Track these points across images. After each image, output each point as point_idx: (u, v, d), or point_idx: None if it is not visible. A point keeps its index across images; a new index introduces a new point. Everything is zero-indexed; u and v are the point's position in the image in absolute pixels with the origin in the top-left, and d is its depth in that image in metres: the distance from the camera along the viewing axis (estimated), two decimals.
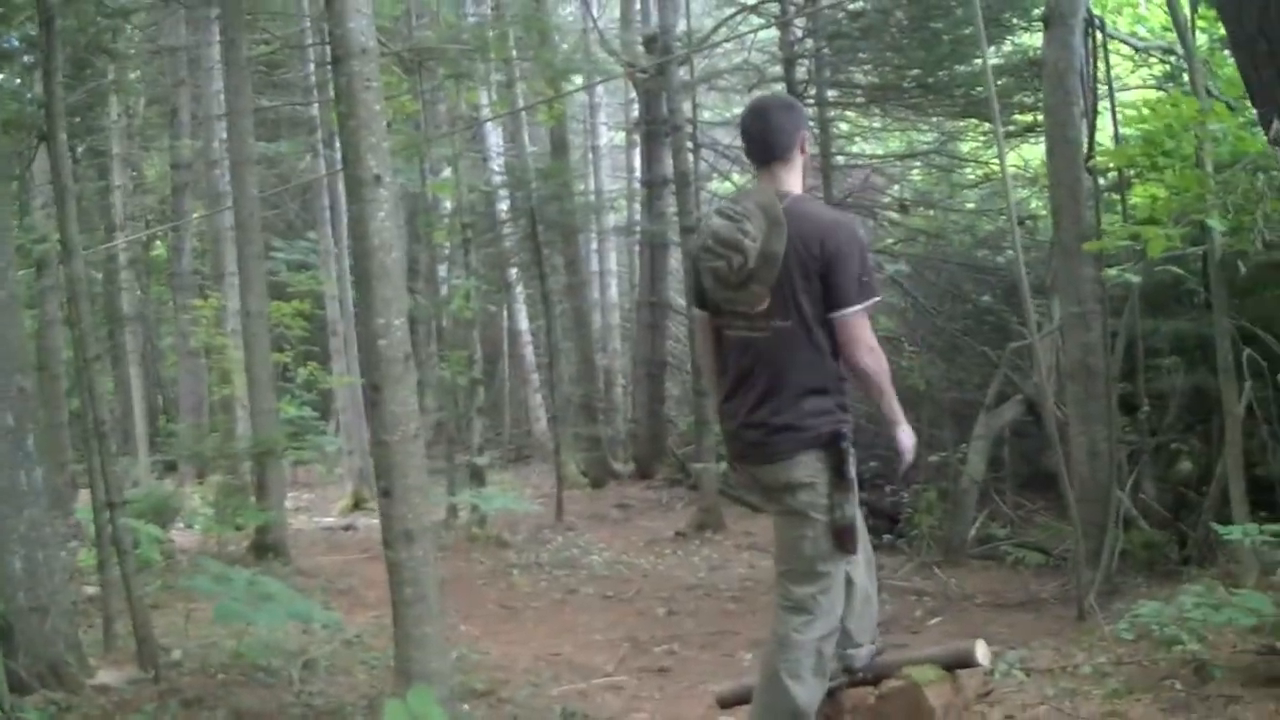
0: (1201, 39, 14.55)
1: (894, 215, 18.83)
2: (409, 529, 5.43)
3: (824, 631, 5.13)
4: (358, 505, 18.05)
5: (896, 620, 10.08)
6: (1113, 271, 9.29)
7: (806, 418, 4.96)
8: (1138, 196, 11.41)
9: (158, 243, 25.18)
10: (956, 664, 5.82)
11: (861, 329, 4.87)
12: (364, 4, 5.49)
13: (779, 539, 5.30)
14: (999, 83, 15.87)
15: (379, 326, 5.34)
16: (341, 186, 12.97)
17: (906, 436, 5.26)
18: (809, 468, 5.01)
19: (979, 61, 16.27)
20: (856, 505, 5.17)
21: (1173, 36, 11.77)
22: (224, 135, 15.73)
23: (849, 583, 5.32)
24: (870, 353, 4.89)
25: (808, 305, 4.85)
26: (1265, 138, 7.89)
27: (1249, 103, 9.52)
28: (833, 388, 5.02)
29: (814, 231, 4.85)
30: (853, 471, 5.07)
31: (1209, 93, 11.09)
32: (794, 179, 5.07)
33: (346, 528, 16.43)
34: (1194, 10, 14.42)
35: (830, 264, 4.81)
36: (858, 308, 4.85)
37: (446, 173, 18.32)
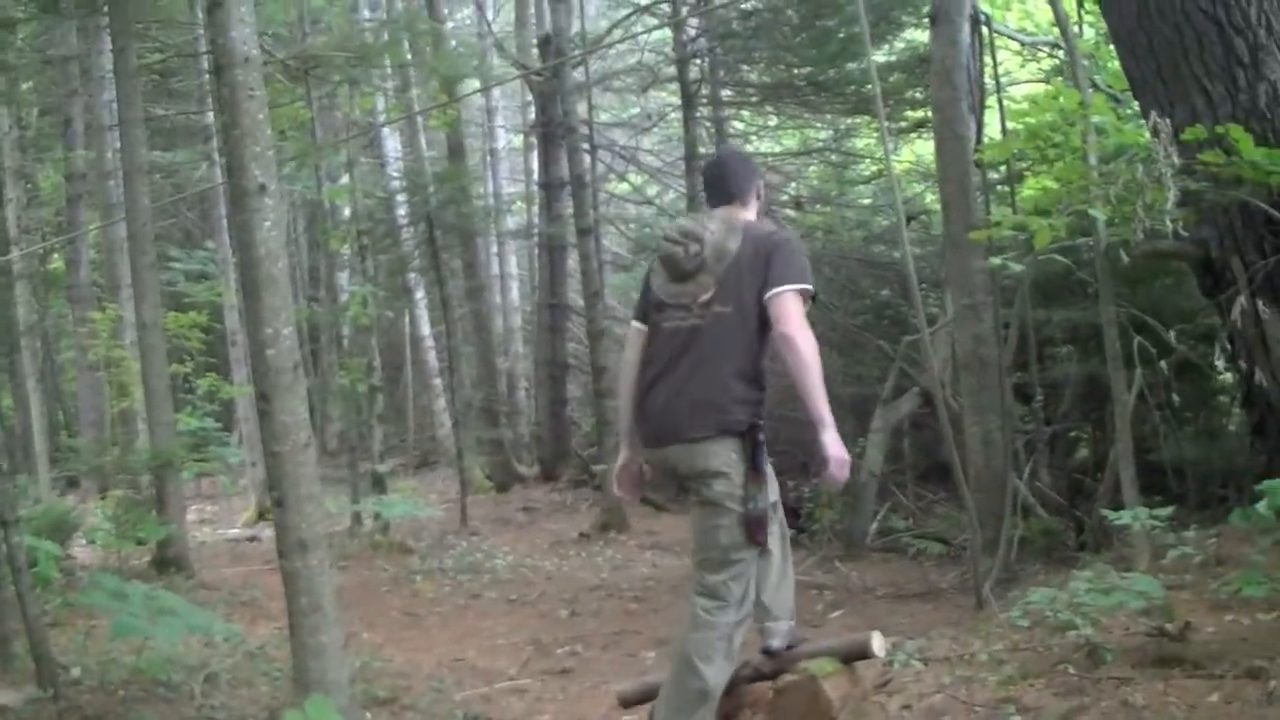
0: (1089, 33, 14.81)
1: (790, 213, 18.94)
2: (303, 538, 5.41)
3: (736, 618, 5.34)
4: (262, 516, 17.88)
5: (798, 615, 10.14)
6: (996, 261, 9.43)
7: (731, 403, 5.31)
8: (1029, 189, 11.58)
9: (55, 255, 24.82)
10: (854, 656, 5.90)
11: (795, 307, 5.22)
12: (246, 13, 5.46)
13: (696, 527, 5.49)
14: (889, 79, 16.08)
15: (267, 336, 5.31)
16: None
17: (835, 446, 5.40)
18: (724, 457, 5.30)
19: (868, 58, 16.50)
20: (771, 498, 5.44)
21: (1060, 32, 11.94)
22: (118, 145, 15.56)
23: (767, 558, 5.53)
24: (802, 330, 5.18)
25: (749, 296, 5.27)
26: (1146, 131, 8.05)
27: (1132, 95, 9.72)
28: (758, 381, 5.39)
29: (763, 237, 5.42)
30: (766, 464, 5.36)
31: (1095, 86, 11.29)
32: (749, 216, 5.63)
33: (251, 539, 16.29)
34: (1080, 6, 14.68)
35: (772, 256, 5.29)
36: (793, 286, 5.24)
37: (344, 179, 18.23)
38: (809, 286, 5.36)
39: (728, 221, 5.46)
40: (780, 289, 5.22)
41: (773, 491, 5.52)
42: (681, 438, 5.35)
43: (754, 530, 5.29)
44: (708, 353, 5.33)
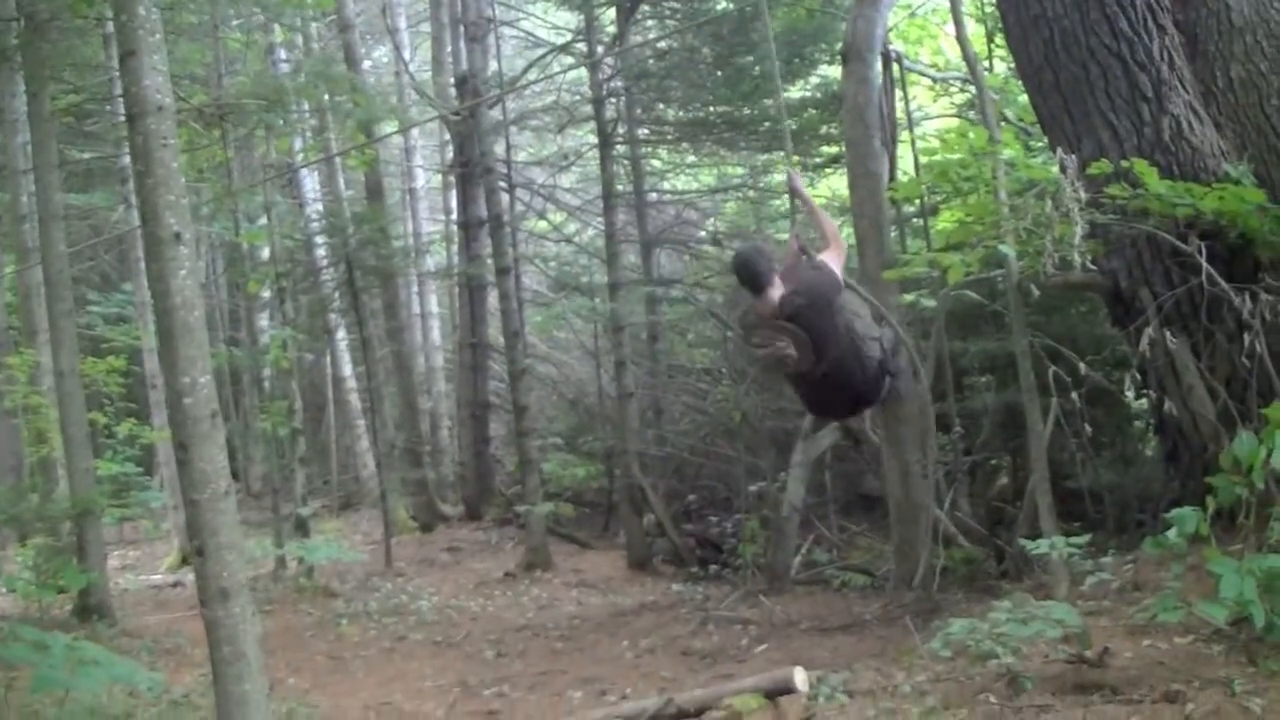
0: (1000, 67, 15.01)
1: (708, 249, 19.05)
2: (224, 587, 5.39)
3: None
4: (185, 561, 17.70)
5: (723, 650, 10.20)
6: (910, 297, 9.53)
7: None
8: (943, 221, 11.72)
9: None
10: (777, 691, 5.94)
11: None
12: (159, 62, 5.45)
13: None
14: (803, 115, 16.24)
15: (184, 385, 5.29)
16: None
17: None
18: None
19: (785, 96, 16.61)
20: None
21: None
22: (32, 189, 15.41)
23: None
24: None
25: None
26: (1054, 164, 8.19)
27: (1041, 129, 9.89)
28: None
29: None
30: None
31: (1005, 120, 11.46)
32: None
33: (174, 584, 16.14)
34: (990, 40, 14.89)
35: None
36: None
37: (262, 220, 18.14)
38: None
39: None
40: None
41: None
42: None
43: None
44: None
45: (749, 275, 6.67)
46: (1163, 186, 7.60)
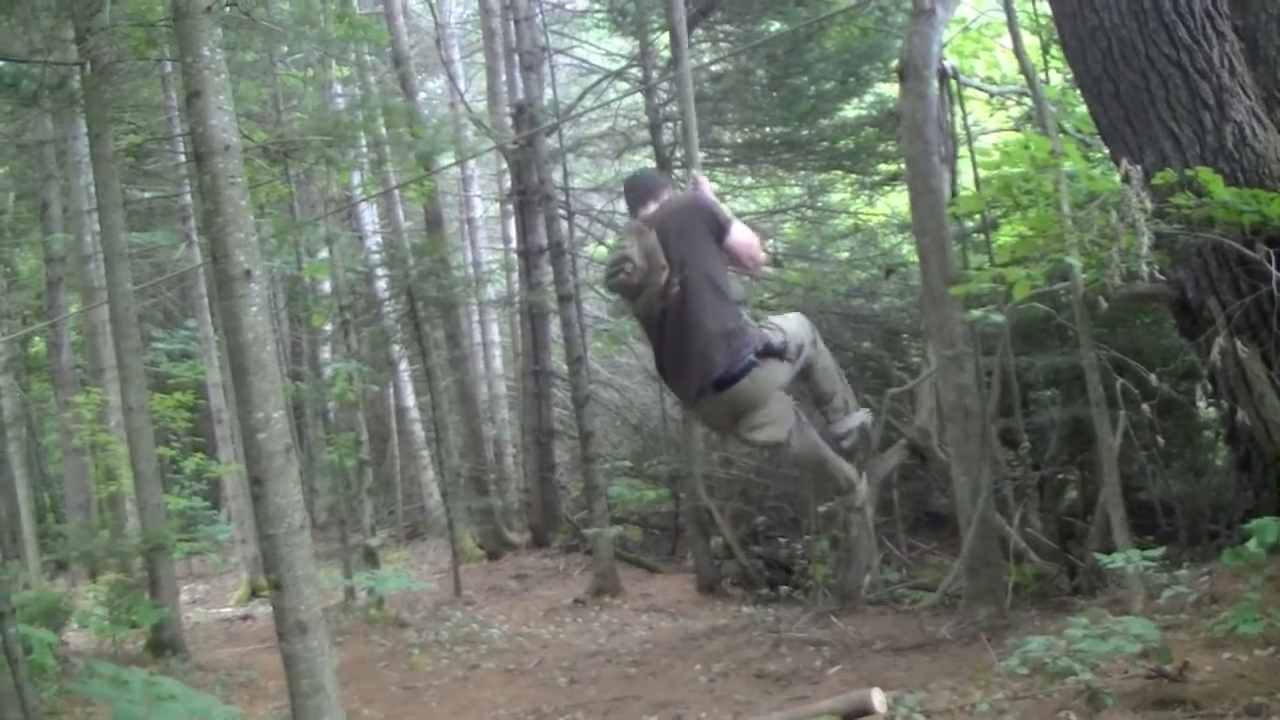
0: (1056, 79, 14.94)
1: (768, 269, 19.01)
2: (301, 620, 5.42)
3: None
4: (254, 594, 17.85)
5: (797, 672, 10.14)
6: (977, 313, 9.49)
7: None
8: (1004, 236, 11.66)
9: (35, 339, 24.81)
10: (855, 713, 5.92)
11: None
12: (225, 102, 5.52)
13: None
14: (861, 134, 16.23)
15: (258, 420, 5.33)
16: None
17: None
18: None
19: (841, 115, 16.60)
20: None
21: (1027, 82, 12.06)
22: (96, 228, 15.59)
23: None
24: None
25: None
26: (1117, 175, 8.14)
27: (1101, 140, 9.82)
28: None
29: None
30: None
31: (1064, 131, 11.40)
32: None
33: (244, 617, 16.27)
34: (1045, 52, 14.81)
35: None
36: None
37: (323, 253, 18.27)
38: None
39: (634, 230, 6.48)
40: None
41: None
42: None
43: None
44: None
45: (631, 190, 6.78)
46: (1228, 194, 7.53)
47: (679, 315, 5.93)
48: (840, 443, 6.66)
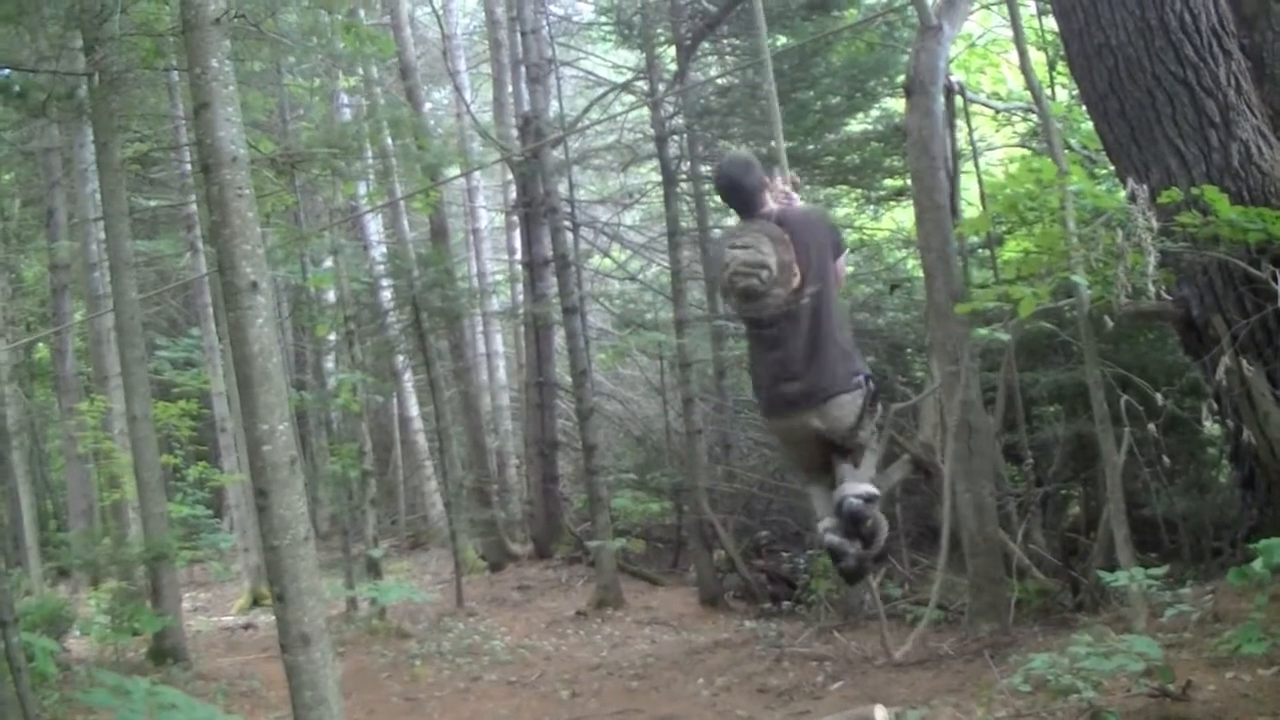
0: (1062, 94, 14.96)
1: None
2: (305, 632, 5.42)
3: None
4: (256, 602, 17.84)
5: (799, 687, 10.15)
6: (983, 331, 9.50)
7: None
8: (1009, 251, 11.66)
9: (39, 345, 24.82)
10: None
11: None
12: (233, 114, 5.53)
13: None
14: (867, 149, 16.24)
15: (263, 432, 5.34)
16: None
17: None
18: None
19: (847, 130, 16.60)
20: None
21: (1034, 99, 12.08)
22: (101, 236, 15.60)
23: None
24: None
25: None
26: (1122, 192, 8.15)
27: (1107, 157, 9.83)
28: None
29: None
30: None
31: (1069, 148, 11.41)
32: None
33: (246, 626, 16.24)
34: (1052, 69, 14.83)
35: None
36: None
37: (328, 263, 18.27)
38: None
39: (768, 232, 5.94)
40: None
41: None
42: None
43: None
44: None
45: (742, 186, 6.10)
46: (1234, 213, 7.53)
47: (811, 326, 5.81)
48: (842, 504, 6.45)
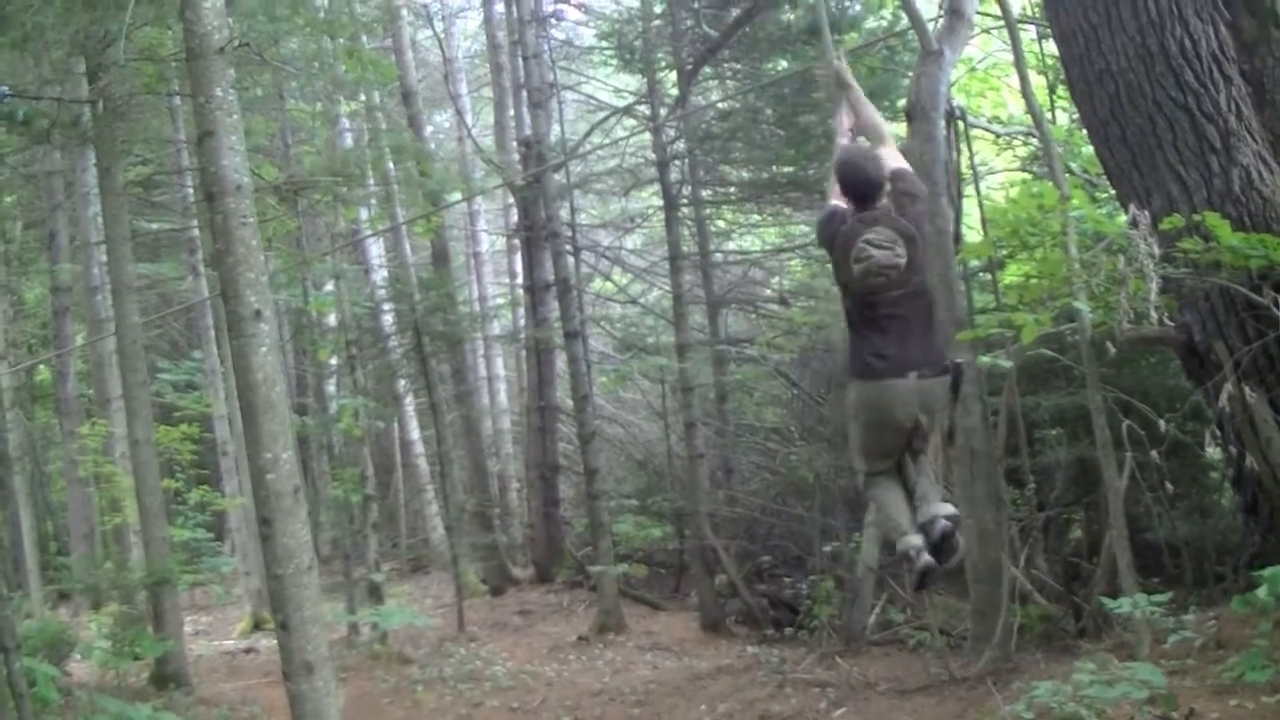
0: (1062, 118, 14.97)
1: (775, 308, 19.01)
2: (308, 660, 5.42)
3: None
4: (257, 626, 17.81)
5: (801, 713, 10.13)
6: (985, 359, 9.50)
7: None
8: (1011, 275, 11.67)
9: (41, 367, 24.80)
10: None
11: None
12: (236, 141, 5.55)
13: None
14: None
15: (266, 460, 5.35)
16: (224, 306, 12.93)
17: None
18: None
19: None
20: None
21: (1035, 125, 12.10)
22: (103, 259, 15.60)
23: None
24: None
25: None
26: (1123, 216, 8.15)
27: (1108, 181, 9.84)
28: None
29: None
30: None
31: (1070, 171, 11.42)
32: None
33: (247, 650, 16.22)
34: (1052, 93, 14.85)
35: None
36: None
37: (329, 286, 18.27)
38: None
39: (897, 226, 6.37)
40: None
41: None
42: None
43: None
44: None
45: (869, 180, 6.43)
46: (1235, 239, 7.55)
47: (923, 313, 6.32)
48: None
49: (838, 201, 6.53)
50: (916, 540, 6.20)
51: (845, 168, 6.54)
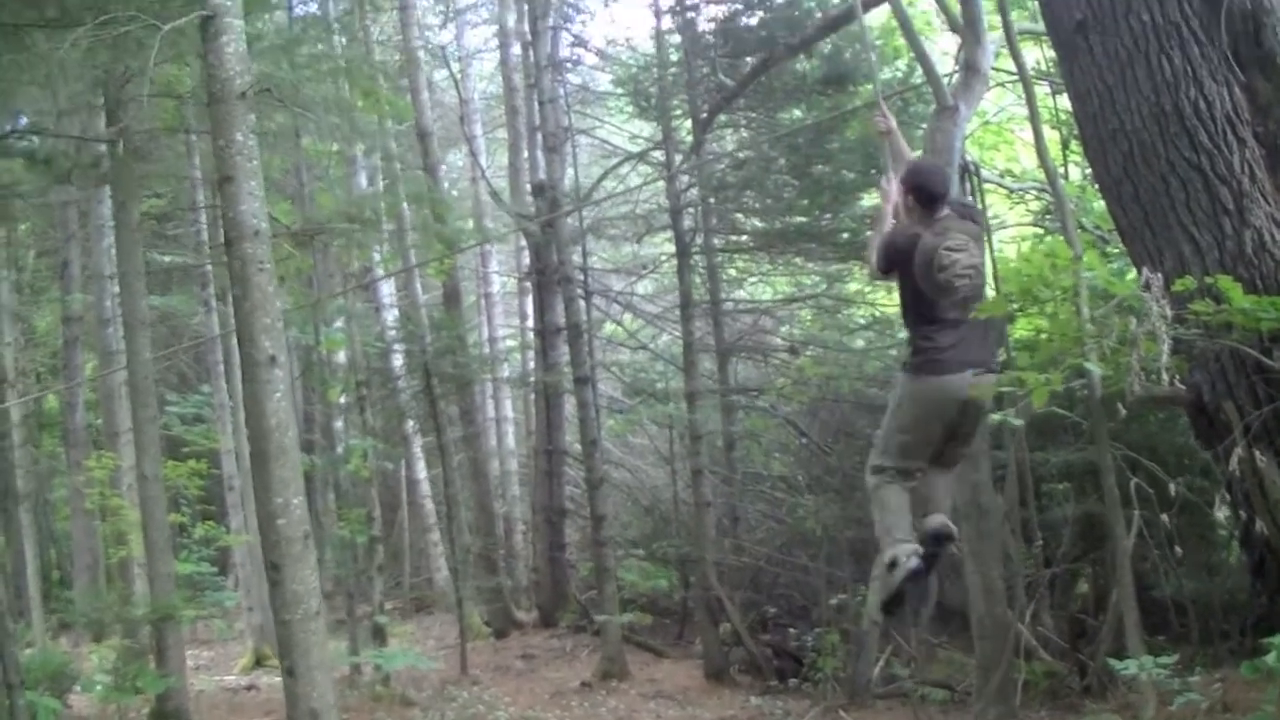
0: (1075, 173, 15.00)
1: (785, 357, 19.01)
2: (314, 708, 5.42)
3: None
4: (259, 663, 17.77)
5: None
6: (996, 416, 9.49)
7: None
8: (1021, 330, 11.68)
9: (49, 396, 24.83)
10: None
11: None
12: (255, 187, 5.59)
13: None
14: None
15: (277, 506, 5.35)
16: (235, 341, 12.92)
17: None
18: None
19: (861, 205, 16.66)
20: None
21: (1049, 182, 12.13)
22: (115, 291, 15.65)
23: None
24: None
25: None
26: (1134, 273, 8.16)
27: (1119, 239, 9.85)
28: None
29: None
30: None
31: (1082, 227, 11.43)
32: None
33: (248, 687, 16.18)
34: (1065, 147, 14.88)
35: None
36: None
37: (339, 324, 18.31)
38: None
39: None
40: None
41: None
42: None
43: None
44: None
45: (938, 185, 7.03)
46: (1247, 302, 7.55)
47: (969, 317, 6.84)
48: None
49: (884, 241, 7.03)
50: (909, 547, 6.62)
51: (921, 172, 7.14)
